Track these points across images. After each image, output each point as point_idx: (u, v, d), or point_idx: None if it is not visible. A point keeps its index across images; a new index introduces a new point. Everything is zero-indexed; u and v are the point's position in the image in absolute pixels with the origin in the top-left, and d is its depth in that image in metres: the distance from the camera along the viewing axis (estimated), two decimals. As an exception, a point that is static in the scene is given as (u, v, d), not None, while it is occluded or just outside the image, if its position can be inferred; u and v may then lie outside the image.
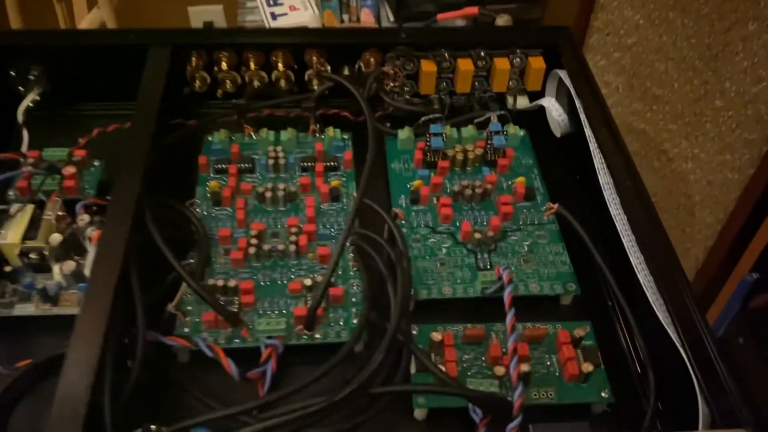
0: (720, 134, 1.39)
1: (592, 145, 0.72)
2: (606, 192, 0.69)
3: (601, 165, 0.71)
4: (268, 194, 0.70)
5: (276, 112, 0.82)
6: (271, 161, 0.74)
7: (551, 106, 0.79)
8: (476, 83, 0.83)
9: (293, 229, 0.68)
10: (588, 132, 0.73)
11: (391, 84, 0.81)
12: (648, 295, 0.59)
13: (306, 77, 0.82)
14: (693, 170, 1.47)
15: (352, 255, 0.67)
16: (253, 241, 0.66)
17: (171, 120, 0.77)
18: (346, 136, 0.79)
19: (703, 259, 1.49)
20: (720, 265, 1.41)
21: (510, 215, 0.71)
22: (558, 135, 0.81)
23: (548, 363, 0.59)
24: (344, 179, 0.75)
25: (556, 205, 0.71)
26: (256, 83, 0.82)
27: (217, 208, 0.71)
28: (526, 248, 0.69)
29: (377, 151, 0.69)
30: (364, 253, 0.65)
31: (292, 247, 0.66)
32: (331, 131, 0.78)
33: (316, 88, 0.80)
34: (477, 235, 0.68)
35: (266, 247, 0.66)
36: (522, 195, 0.73)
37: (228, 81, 0.82)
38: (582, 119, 0.74)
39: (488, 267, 0.67)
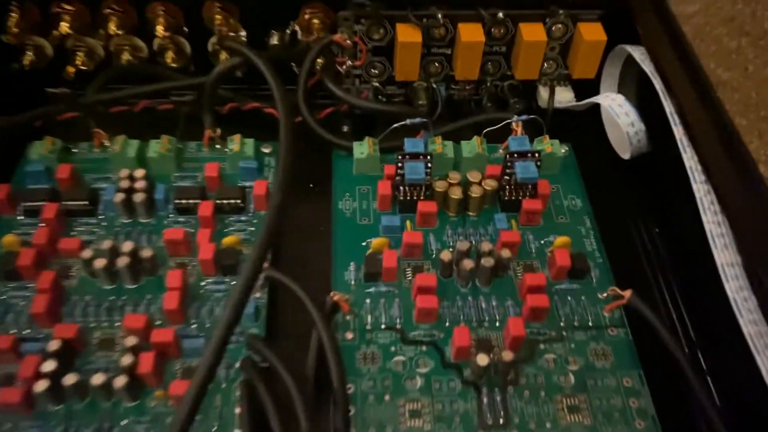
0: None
1: (698, 183, 0.39)
2: (726, 271, 0.36)
3: (715, 218, 0.38)
4: (100, 263, 0.38)
5: (157, 104, 0.50)
6: (119, 197, 0.42)
7: (615, 106, 0.46)
8: (489, 65, 0.50)
9: (130, 340, 0.36)
10: (689, 157, 0.40)
11: (348, 63, 0.49)
12: None
13: (210, 48, 0.50)
14: (768, 179, 1.13)
15: (238, 394, 0.35)
16: (48, 367, 0.34)
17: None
18: (266, 150, 0.47)
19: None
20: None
21: (543, 313, 0.38)
22: (626, 155, 0.48)
23: None
24: (251, 231, 0.42)
25: (627, 293, 0.39)
26: (125, 56, 0.49)
27: (11, 284, 0.39)
28: (572, 381, 0.37)
29: (286, 182, 0.37)
30: (257, 392, 0.33)
31: (122, 380, 0.34)
32: (236, 142, 0.46)
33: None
34: (481, 359, 0.36)
35: (70, 380, 0.34)
36: (565, 270, 0.40)
37: (80, 54, 0.49)
38: (676, 134, 0.41)
39: (500, 422, 0.35)
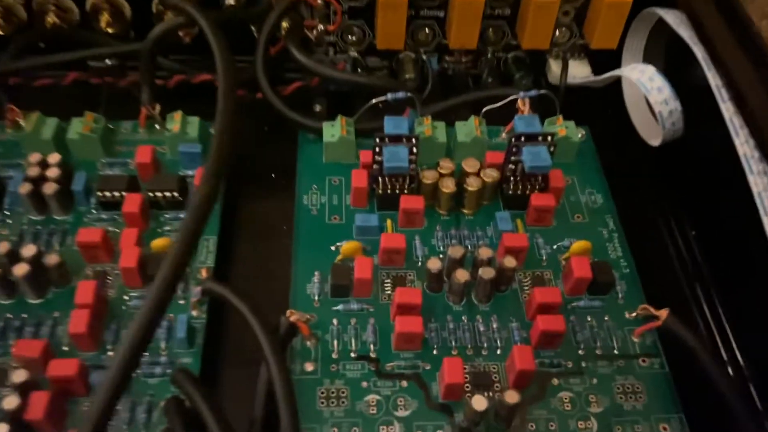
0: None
1: (755, 174, 0.31)
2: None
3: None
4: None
5: (90, 77, 0.41)
6: (26, 188, 0.33)
7: (645, 80, 0.37)
8: (490, 32, 0.42)
9: (20, 374, 0.27)
10: (743, 142, 0.32)
11: (319, 28, 0.40)
12: None
13: (154, 9, 0.41)
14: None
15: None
16: None
17: None
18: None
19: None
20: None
21: (557, 339, 0.30)
22: (657, 141, 0.39)
23: None
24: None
25: (662, 313, 0.30)
26: (50, 19, 0.41)
27: None
28: (595, 427, 0.29)
29: (219, 169, 0.28)
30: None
31: (2, 429, 0.26)
32: (177, 121, 0.37)
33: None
34: (478, 401, 0.27)
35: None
36: (584, 283, 0.32)
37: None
38: (725, 113, 0.33)
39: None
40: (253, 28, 0.41)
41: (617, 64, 0.43)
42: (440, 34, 0.42)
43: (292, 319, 0.30)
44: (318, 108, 0.43)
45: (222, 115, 0.30)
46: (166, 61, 0.41)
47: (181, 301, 0.32)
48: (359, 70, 0.43)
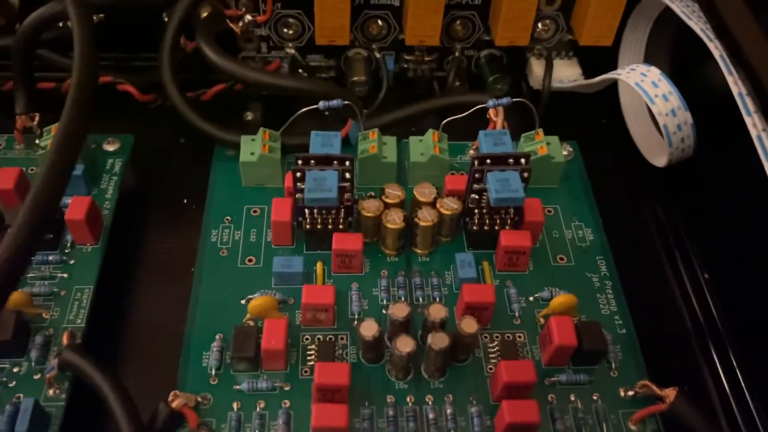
0: None
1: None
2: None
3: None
4: None
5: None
6: None
7: (647, 85, 0.30)
8: (457, 24, 0.34)
9: None
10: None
11: (246, 18, 0.33)
12: None
13: (45, -4, 0.33)
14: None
15: None
16: None
17: None
18: (110, 148, 0.31)
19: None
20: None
21: (530, 430, 0.22)
22: (661, 162, 0.32)
23: None
24: (62, 281, 0.26)
25: (669, 393, 0.23)
26: None
27: None
28: None
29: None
30: None
31: None
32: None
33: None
34: None
35: None
36: (568, 350, 0.24)
37: None
38: (752, 129, 0.25)
39: None
40: (165, 16, 0.33)
41: (613, 66, 0.35)
42: (396, 27, 0.34)
43: (174, 404, 0.22)
44: (249, 116, 0.35)
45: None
46: (65, 59, 0.34)
47: (36, 376, 0.24)
48: (300, 70, 0.36)
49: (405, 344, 0.24)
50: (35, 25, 0.29)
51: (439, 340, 0.24)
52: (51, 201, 0.23)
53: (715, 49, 0.28)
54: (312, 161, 0.26)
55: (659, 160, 0.32)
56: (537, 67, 0.36)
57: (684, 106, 0.29)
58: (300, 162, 0.26)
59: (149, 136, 0.33)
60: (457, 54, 0.35)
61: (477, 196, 0.27)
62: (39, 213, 0.22)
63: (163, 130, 0.34)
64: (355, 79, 0.35)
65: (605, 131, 0.36)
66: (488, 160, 0.26)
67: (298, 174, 0.26)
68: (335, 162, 0.26)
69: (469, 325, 0.24)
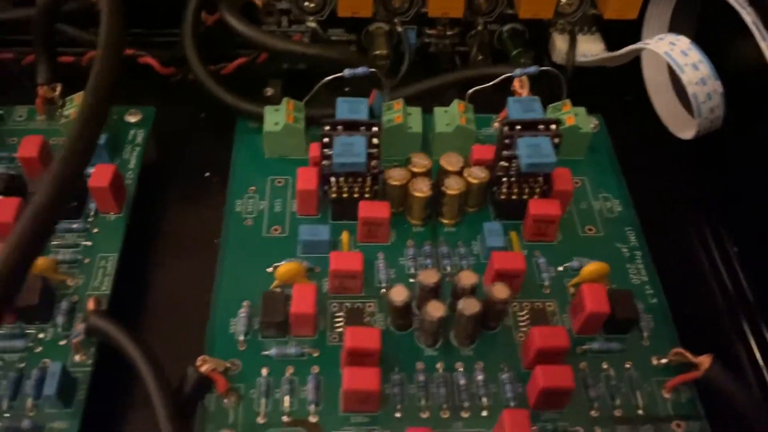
0: None
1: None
2: None
3: None
4: None
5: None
6: None
7: (676, 54, 0.29)
8: (480, -3, 0.34)
9: None
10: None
11: (267, -9, 0.33)
12: None
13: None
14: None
15: None
16: None
17: None
18: (132, 119, 0.31)
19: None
20: None
21: (564, 397, 0.22)
22: (689, 134, 0.31)
23: None
24: (86, 249, 0.26)
25: (704, 360, 0.22)
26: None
27: None
28: None
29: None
30: None
31: None
32: (77, 104, 0.29)
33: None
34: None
35: None
36: (600, 318, 0.24)
37: None
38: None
39: None
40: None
41: (636, 40, 0.35)
42: (419, 0, 0.34)
43: (203, 369, 0.22)
44: (270, 92, 0.35)
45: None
46: (84, 33, 0.34)
47: (61, 342, 0.24)
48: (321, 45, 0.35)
49: (436, 309, 0.23)
50: (55, -4, 0.29)
51: (470, 306, 0.23)
52: (78, 165, 0.22)
53: (747, 15, 0.27)
54: (339, 126, 0.25)
55: (687, 133, 0.31)
56: (560, 42, 0.35)
57: (714, 75, 0.29)
58: (327, 128, 0.25)
59: (170, 111, 0.33)
60: (479, 28, 0.35)
61: (506, 164, 0.26)
62: (66, 178, 0.21)
63: (183, 106, 0.34)
64: (377, 53, 0.34)
65: (630, 108, 0.36)
66: (518, 126, 0.26)
67: (326, 140, 0.25)
68: (363, 128, 0.25)
69: (500, 291, 0.24)
